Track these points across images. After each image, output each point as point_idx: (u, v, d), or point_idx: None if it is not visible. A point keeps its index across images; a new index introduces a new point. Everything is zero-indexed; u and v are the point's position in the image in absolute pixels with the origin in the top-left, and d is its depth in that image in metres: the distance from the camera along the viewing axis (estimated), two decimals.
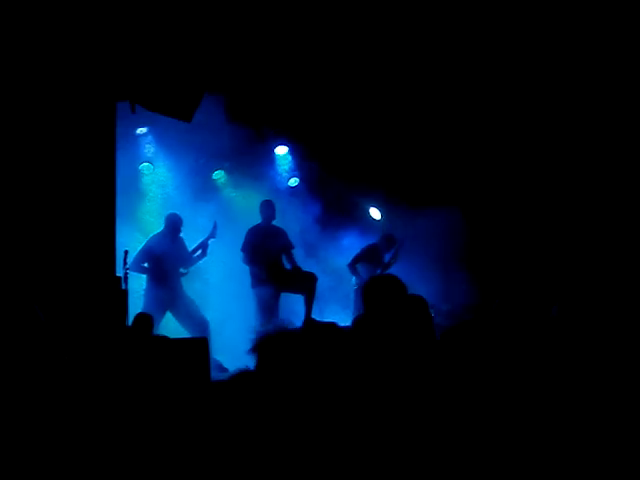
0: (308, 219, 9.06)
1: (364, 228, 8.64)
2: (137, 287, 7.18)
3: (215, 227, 7.60)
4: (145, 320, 5.69)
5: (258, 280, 7.50)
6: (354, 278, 8.17)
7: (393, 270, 7.86)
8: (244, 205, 9.06)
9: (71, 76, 5.44)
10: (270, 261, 7.53)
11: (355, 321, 3.24)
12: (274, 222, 7.85)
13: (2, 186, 5.13)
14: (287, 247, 7.78)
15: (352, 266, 8.13)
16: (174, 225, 7.41)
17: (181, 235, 7.60)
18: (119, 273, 6.29)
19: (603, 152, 7.36)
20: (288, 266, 7.78)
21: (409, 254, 8.32)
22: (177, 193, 8.72)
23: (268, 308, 7.39)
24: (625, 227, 7.17)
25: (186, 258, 7.47)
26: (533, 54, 7.20)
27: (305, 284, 7.47)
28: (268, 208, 7.75)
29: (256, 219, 7.93)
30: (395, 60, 7.60)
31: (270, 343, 2.80)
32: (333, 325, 3.03)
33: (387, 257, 8.33)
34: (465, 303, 7.21)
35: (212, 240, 7.66)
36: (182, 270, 7.36)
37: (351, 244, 8.48)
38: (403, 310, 3.00)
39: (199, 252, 7.52)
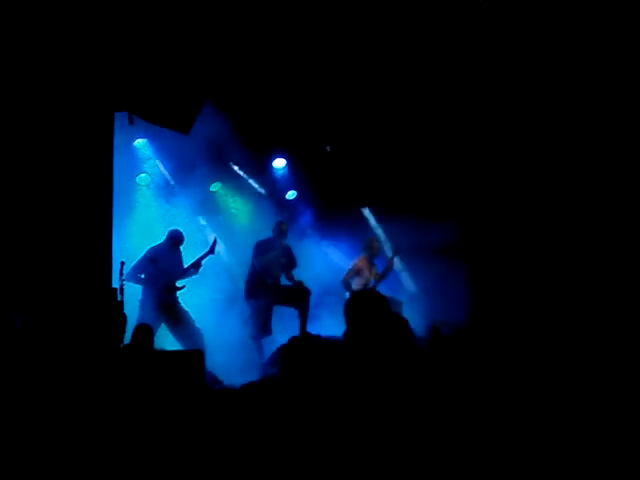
0: (304, 231, 9.09)
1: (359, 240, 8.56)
2: (133, 298, 7.17)
3: (215, 243, 7.55)
4: (145, 331, 5.65)
5: (253, 292, 7.48)
6: (347, 293, 8.12)
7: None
8: (241, 217, 9.08)
9: (69, 87, 5.44)
10: (269, 276, 7.52)
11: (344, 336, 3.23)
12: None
13: None
14: (290, 266, 7.75)
15: (344, 283, 8.04)
16: (176, 240, 7.38)
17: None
18: (115, 284, 6.27)
19: (602, 164, 7.37)
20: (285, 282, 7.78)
21: (411, 269, 8.28)
22: (173, 205, 8.75)
23: (261, 321, 7.37)
24: (626, 237, 7.16)
25: (180, 272, 7.41)
26: (533, 65, 7.22)
27: (298, 298, 7.46)
28: (280, 229, 7.70)
29: (253, 232, 7.92)
30: (394, 73, 7.62)
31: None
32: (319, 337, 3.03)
33: (380, 267, 8.22)
34: (469, 316, 7.19)
35: (211, 256, 7.59)
36: (179, 284, 7.31)
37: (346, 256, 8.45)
38: (384, 326, 2.98)
39: (192, 269, 7.42)
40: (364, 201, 8.96)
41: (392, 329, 2.97)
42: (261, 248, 7.58)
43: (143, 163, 8.67)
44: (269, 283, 7.54)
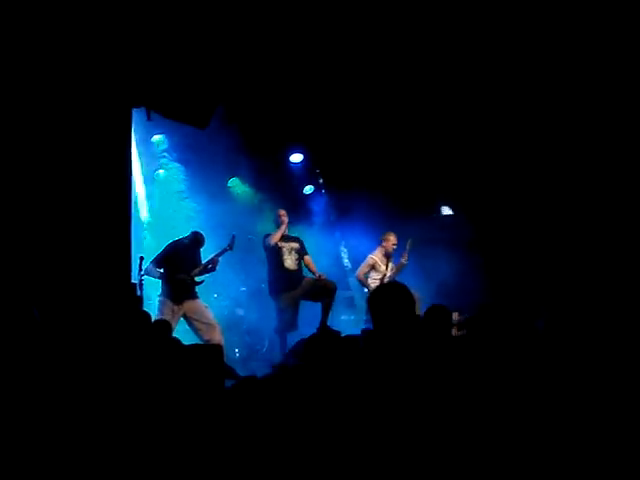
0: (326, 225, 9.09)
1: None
2: (152, 294, 7.21)
3: (233, 240, 7.50)
4: (163, 326, 5.67)
5: (278, 287, 7.47)
6: (364, 288, 8.09)
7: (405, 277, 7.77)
8: (259, 212, 9.10)
9: (88, 83, 5.47)
10: (289, 268, 7.51)
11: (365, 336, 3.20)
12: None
13: (19, 192, 5.15)
14: (301, 254, 7.72)
15: (359, 277, 7.99)
16: (197, 243, 7.35)
17: None
18: (134, 280, 6.30)
19: (601, 163, 7.32)
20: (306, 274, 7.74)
21: (420, 263, 8.23)
22: (191, 200, 8.80)
23: (287, 316, 7.34)
24: (620, 239, 7.11)
25: (199, 268, 7.38)
26: (533, 59, 7.18)
27: (324, 293, 7.41)
28: (280, 216, 7.69)
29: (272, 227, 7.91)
30: (400, 68, 7.60)
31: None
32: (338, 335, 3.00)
33: (395, 260, 8.16)
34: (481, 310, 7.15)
35: (229, 252, 7.54)
36: (198, 279, 7.31)
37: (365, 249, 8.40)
38: (412, 321, 2.95)
39: (210, 265, 7.39)
40: (380, 194, 8.91)
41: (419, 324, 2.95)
42: (268, 235, 7.61)
43: (161, 159, 8.72)
44: (290, 270, 7.50)
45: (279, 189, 9.39)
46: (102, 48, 5.48)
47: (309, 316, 7.56)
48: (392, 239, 7.96)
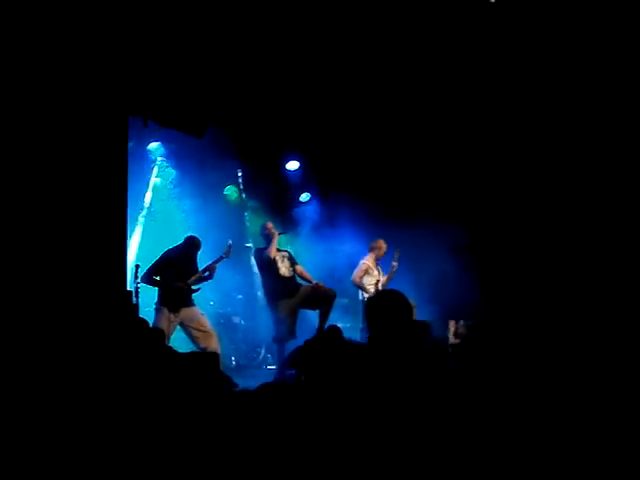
0: (320, 233, 9.09)
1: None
2: (149, 301, 7.19)
3: (229, 247, 7.48)
4: (159, 334, 5.65)
5: (275, 295, 7.46)
6: (360, 293, 8.12)
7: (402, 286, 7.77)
8: (256, 220, 9.11)
9: (84, 90, 5.47)
10: (284, 275, 7.51)
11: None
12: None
13: (14, 200, 5.14)
14: (292, 262, 7.71)
15: (355, 282, 8.04)
16: (193, 247, 7.33)
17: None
18: (130, 287, 6.29)
19: (604, 168, 7.34)
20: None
21: (414, 270, 8.25)
22: (187, 208, 8.80)
23: (286, 325, 7.32)
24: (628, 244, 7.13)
25: (195, 275, 7.36)
26: (534, 64, 7.21)
27: (323, 300, 7.40)
28: (267, 228, 7.70)
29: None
30: (399, 74, 7.62)
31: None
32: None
33: (383, 266, 8.20)
34: (480, 317, 7.17)
35: (225, 259, 7.53)
36: (194, 286, 7.29)
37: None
38: (409, 330, 2.96)
39: (206, 273, 7.37)
40: (373, 201, 8.93)
41: (418, 332, 2.95)
42: (261, 250, 7.63)
43: (156, 166, 8.74)
44: (285, 277, 7.50)
45: (275, 197, 9.40)
46: (99, 56, 5.48)
47: (306, 325, 7.56)
48: (384, 247, 8.09)
